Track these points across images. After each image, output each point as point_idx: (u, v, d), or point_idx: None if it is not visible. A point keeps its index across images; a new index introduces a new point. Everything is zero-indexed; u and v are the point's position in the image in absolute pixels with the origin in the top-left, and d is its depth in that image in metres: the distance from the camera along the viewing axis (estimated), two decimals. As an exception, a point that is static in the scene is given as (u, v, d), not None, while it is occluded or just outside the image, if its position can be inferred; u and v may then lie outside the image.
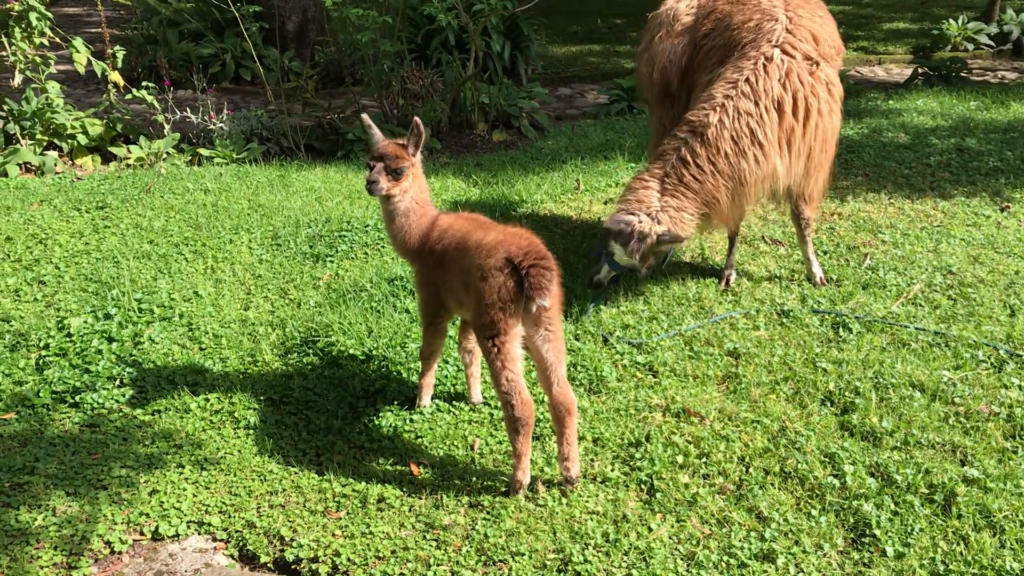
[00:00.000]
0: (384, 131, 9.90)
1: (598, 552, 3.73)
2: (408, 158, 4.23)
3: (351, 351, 5.19)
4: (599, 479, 4.18)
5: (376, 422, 4.66)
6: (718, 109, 5.39)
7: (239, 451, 4.46)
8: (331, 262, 6.58)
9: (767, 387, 4.86)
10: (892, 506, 3.90)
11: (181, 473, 4.29)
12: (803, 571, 3.61)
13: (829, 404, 4.72)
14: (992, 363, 5.02)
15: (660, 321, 5.62)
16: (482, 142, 10.47)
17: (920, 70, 12.72)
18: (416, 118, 4.16)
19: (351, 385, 4.93)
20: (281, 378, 5.03)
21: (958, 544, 3.71)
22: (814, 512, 3.91)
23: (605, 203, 7.82)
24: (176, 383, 4.99)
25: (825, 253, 6.58)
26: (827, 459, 4.25)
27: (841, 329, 5.44)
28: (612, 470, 4.23)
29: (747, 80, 5.41)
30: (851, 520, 3.86)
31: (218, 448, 4.48)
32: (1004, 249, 6.54)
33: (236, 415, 4.73)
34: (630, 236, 5.31)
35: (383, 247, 6.80)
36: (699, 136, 5.41)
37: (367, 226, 7.07)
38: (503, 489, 4.12)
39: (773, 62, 5.41)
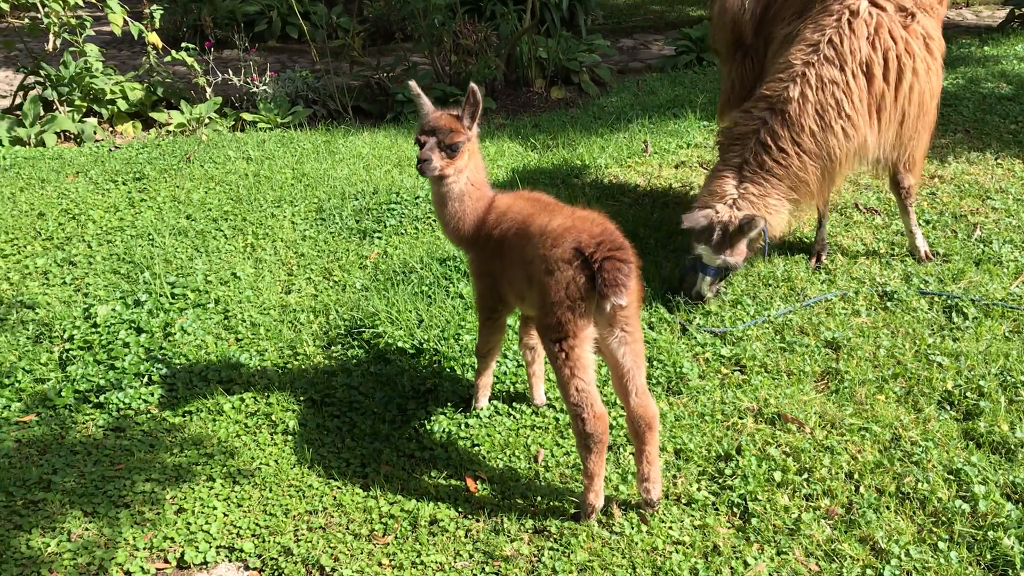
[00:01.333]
0: (435, 92, 9.34)
1: (686, 594, 3.18)
2: (464, 132, 3.64)
3: (400, 344, 4.66)
4: (684, 500, 3.61)
5: (427, 427, 4.15)
6: (798, 80, 4.71)
7: (276, 461, 3.99)
8: (379, 238, 6.05)
9: (874, 386, 4.23)
10: (1039, 541, 3.27)
11: (211, 488, 3.83)
12: (934, 623, 3.02)
13: (948, 407, 4.07)
14: None
15: (745, 305, 4.99)
16: (540, 100, 9.81)
17: (1016, 12, 11.65)
18: (472, 84, 3.56)
19: (400, 383, 4.42)
20: (323, 375, 4.54)
21: (1124, 591, 3.09)
22: (941, 545, 3.30)
23: (676, 167, 7.16)
24: (209, 380, 4.53)
25: (928, 223, 5.84)
26: (951, 476, 3.63)
27: (954, 314, 4.76)
28: (698, 489, 3.66)
29: (830, 41, 4.72)
30: (988, 556, 3.25)
31: (252, 457, 4.01)
32: None
33: (273, 418, 4.26)
34: (710, 229, 4.72)
35: (434, 221, 6.24)
36: (779, 114, 4.75)
37: (417, 197, 6.52)
38: (572, 511, 3.58)
39: (860, 17, 4.70)
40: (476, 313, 4.04)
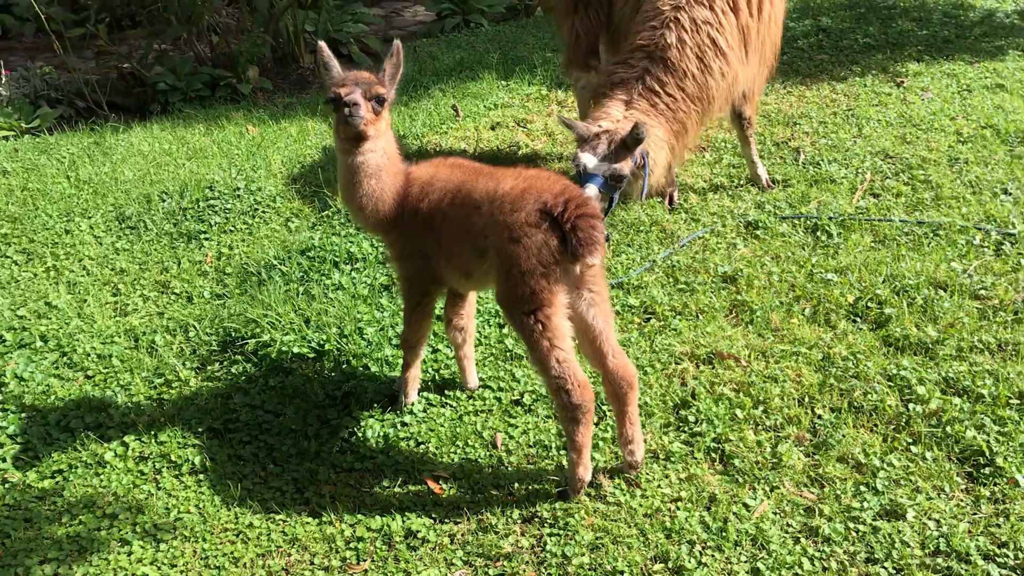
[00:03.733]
0: (202, 76, 8.50)
1: (707, 549, 3.06)
2: (387, 87, 3.26)
3: (295, 349, 4.15)
4: (662, 456, 3.49)
5: (359, 435, 3.72)
6: (673, 25, 4.65)
7: (197, 506, 3.41)
8: (208, 239, 5.39)
9: (782, 311, 4.32)
10: (994, 427, 3.47)
11: (130, 553, 3.20)
12: (940, 522, 3.10)
13: (858, 319, 4.24)
14: (990, 247, 4.72)
15: (628, 253, 4.94)
16: (313, 76, 9.23)
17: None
18: (397, 41, 3.17)
19: (311, 393, 3.93)
20: (215, 399, 3.94)
21: (1079, 455, 3.34)
22: (914, 449, 3.42)
23: (492, 128, 6.98)
24: (72, 429, 3.79)
25: (755, 153, 6.08)
26: (891, 383, 3.77)
27: (820, 233, 4.98)
28: (671, 441, 3.56)
29: None
30: (956, 450, 3.40)
31: (167, 508, 3.40)
32: (924, 126, 6.32)
33: (173, 458, 3.64)
34: (596, 136, 4.43)
35: (265, 212, 5.66)
36: (660, 62, 4.65)
37: (237, 190, 5.86)
38: (556, 490, 3.35)
39: None
40: (404, 301, 3.64)
